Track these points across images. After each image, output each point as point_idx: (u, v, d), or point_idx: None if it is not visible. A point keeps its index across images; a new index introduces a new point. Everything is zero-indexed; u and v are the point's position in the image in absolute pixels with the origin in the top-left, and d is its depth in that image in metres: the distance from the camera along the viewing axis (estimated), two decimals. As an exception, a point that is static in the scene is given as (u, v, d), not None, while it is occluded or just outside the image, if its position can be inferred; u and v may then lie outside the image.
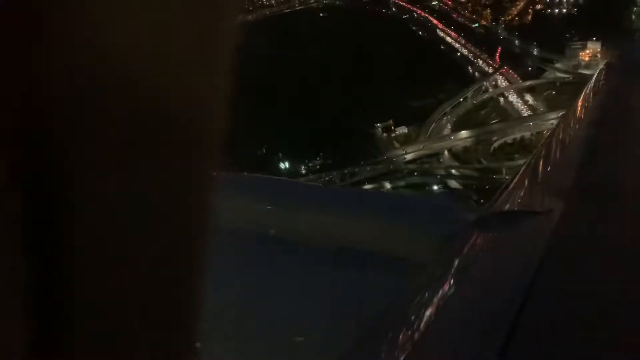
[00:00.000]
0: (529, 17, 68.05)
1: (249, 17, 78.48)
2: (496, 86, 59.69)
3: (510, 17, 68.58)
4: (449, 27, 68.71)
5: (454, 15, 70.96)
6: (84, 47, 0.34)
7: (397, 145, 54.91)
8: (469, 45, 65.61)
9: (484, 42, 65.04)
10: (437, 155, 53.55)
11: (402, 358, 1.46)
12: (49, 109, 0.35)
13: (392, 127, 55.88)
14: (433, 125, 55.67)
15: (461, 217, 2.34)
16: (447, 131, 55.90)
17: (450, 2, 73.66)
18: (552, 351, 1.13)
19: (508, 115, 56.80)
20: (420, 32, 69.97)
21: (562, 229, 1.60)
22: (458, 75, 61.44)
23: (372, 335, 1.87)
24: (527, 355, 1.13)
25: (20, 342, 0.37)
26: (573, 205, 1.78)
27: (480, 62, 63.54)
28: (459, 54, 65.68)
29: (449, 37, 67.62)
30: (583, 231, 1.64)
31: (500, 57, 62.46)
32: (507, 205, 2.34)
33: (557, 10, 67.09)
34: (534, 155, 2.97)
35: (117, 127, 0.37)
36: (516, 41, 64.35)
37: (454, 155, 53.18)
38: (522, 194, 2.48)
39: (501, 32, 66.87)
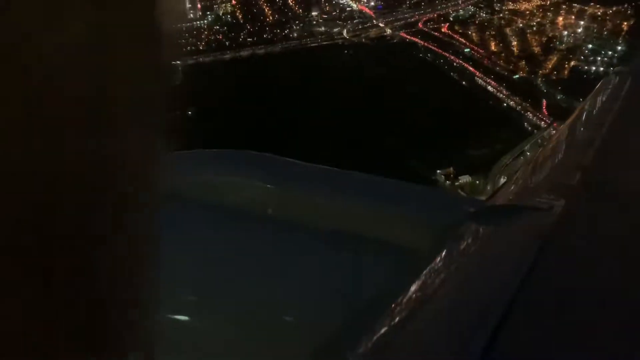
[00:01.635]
0: (566, 72, 68.71)
1: (274, 49, 75.34)
2: (550, 139, 59.08)
3: (547, 71, 69.06)
4: (487, 76, 68.14)
5: (489, 64, 70.67)
6: None
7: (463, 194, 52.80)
8: (512, 96, 65.12)
9: (526, 93, 64.80)
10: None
11: (392, 345, 1.51)
12: None
13: (453, 175, 53.83)
14: (498, 176, 54.05)
15: (459, 208, 2.35)
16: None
17: (482, 51, 73.51)
18: (544, 343, 1.13)
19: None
20: (457, 79, 68.97)
21: (562, 225, 1.61)
22: (509, 126, 60.46)
23: (362, 321, 1.92)
24: (516, 347, 1.13)
25: None
26: (574, 203, 1.77)
27: (529, 114, 63.01)
28: (505, 104, 64.96)
29: (490, 87, 66.95)
30: (583, 229, 1.64)
31: (546, 109, 62.27)
32: (507, 200, 2.28)
33: (593, 68, 68.08)
34: (537, 154, 2.98)
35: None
36: (558, 95, 64.48)
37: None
38: (522, 190, 2.45)
39: (542, 85, 66.97)
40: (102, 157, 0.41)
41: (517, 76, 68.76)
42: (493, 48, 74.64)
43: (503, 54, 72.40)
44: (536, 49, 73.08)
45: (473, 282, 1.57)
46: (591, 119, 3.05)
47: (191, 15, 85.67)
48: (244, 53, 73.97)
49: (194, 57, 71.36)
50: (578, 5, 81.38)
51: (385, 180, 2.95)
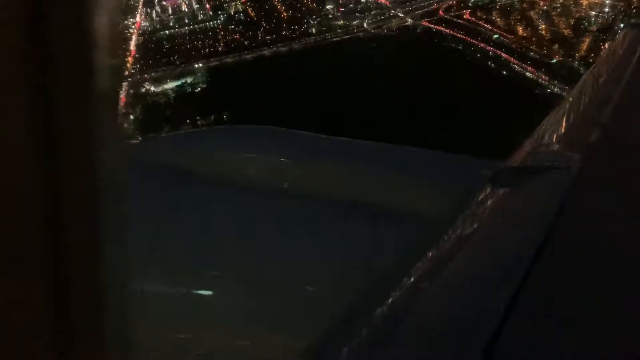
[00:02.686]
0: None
1: (295, 46, 72.32)
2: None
3: (583, 53, 67.07)
4: (524, 62, 65.92)
5: (522, 50, 68.46)
6: None
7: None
8: (553, 81, 63.01)
9: (566, 78, 62.72)
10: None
11: (410, 312, 1.53)
12: None
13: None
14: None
15: (477, 171, 2.36)
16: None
17: (511, 37, 71.27)
18: (564, 306, 1.14)
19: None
20: (494, 67, 66.66)
21: (580, 184, 1.60)
22: (558, 113, 58.37)
23: (379, 289, 1.94)
24: (537, 312, 1.14)
25: None
26: (591, 161, 1.76)
27: (575, 99, 60.97)
28: (548, 90, 62.82)
29: (529, 73, 64.74)
30: (600, 187, 1.64)
31: (592, 94, 60.24)
32: (525, 162, 2.24)
33: (631, 48, 66.20)
34: (553, 113, 2.74)
35: None
36: (600, 78, 62.50)
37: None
38: (539, 149, 2.38)
39: (582, 68, 64.93)
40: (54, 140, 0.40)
41: (554, 61, 66.60)
42: (522, 33, 72.35)
43: (534, 39, 70.14)
44: (566, 32, 70.93)
45: (494, 245, 1.53)
46: (609, 75, 2.88)
47: (201, 16, 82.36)
48: (266, 52, 70.79)
49: (216, 59, 68.17)
50: (599, -17, 79.97)
51: (401, 148, 2.88)
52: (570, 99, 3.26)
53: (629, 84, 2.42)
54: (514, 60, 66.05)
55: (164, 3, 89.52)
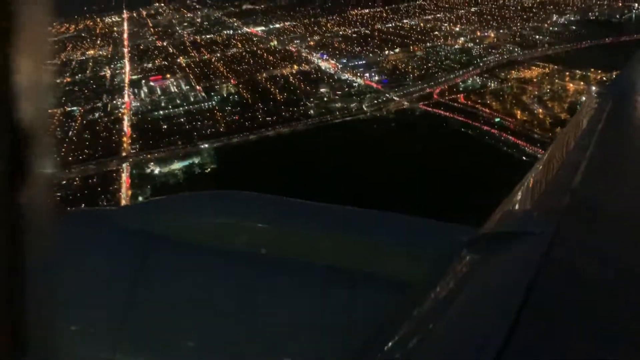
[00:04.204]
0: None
1: (298, 127, 70.57)
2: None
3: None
4: (535, 146, 66.15)
5: (529, 133, 69.11)
6: None
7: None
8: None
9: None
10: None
11: None
12: None
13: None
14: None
15: (453, 237, 2.38)
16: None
17: (512, 119, 72.23)
18: None
19: None
20: (507, 151, 66.59)
21: (554, 251, 1.65)
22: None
23: (357, 356, 1.98)
24: None
25: None
26: (565, 227, 1.82)
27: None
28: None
29: (539, 155, 64.90)
30: (576, 253, 1.70)
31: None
32: (499, 227, 2.32)
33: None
34: (526, 178, 2.89)
35: None
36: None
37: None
38: (514, 215, 2.49)
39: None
40: None
41: (561, 142, 67.38)
42: (521, 116, 73.61)
43: (535, 122, 71.30)
44: (563, 115, 72.71)
45: (472, 313, 1.57)
46: (576, 141, 3.06)
47: (192, 98, 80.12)
48: (270, 133, 68.55)
49: (221, 139, 65.21)
50: (579, 72, 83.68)
51: (377, 213, 2.88)
52: (540, 166, 3.17)
53: (596, 150, 2.51)
54: (522, 143, 66.29)
55: (152, 84, 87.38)
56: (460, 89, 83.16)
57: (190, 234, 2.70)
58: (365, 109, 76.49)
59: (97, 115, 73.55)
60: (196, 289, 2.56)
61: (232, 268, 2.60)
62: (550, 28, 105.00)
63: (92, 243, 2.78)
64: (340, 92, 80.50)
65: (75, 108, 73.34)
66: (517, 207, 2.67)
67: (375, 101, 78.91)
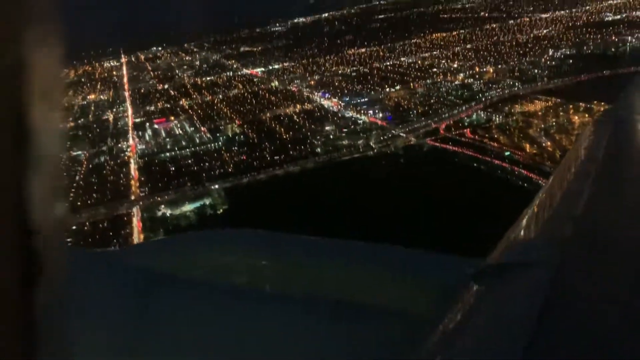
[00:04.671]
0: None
1: (307, 164, 69.74)
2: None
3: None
4: (542, 177, 65.59)
5: (540, 166, 68.65)
6: None
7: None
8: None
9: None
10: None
11: None
12: None
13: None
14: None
15: (459, 270, 2.35)
16: None
17: (521, 152, 71.88)
18: None
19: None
20: (522, 184, 65.91)
21: (560, 280, 1.67)
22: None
23: None
24: None
25: None
26: (570, 257, 1.83)
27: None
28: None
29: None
30: (580, 282, 1.71)
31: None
32: (504, 258, 2.31)
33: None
34: (529, 208, 2.85)
35: None
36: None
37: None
38: (518, 246, 2.48)
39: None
40: None
41: (574, 174, 66.84)
42: (530, 150, 73.27)
43: (545, 155, 70.91)
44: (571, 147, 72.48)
45: (480, 345, 1.58)
46: (577, 169, 3.00)
47: (197, 139, 79.42)
48: (279, 172, 67.64)
49: (230, 179, 64.17)
50: (583, 104, 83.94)
51: (383, 247, 2.85)
52: (543, 195, 3.16)
53: (597, 178, 2.49)
54: (535, 176, 65.68)
55: (156, 126, 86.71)
56: (466, 123, 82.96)
57: (194, 272, 2.70)
58: (372, 145, 75.95)
59: (102, 159, 72.49)
60: (200, 326, 2.53)
61: (237, 305, 2.60)
62: (548, 62, 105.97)
63: (96, 282, 2.69)
64: (346, 130, 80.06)
65: (80, 152, 72.27)
66: (521, 235, 2.65)
67: (382, 138, 78.47)
